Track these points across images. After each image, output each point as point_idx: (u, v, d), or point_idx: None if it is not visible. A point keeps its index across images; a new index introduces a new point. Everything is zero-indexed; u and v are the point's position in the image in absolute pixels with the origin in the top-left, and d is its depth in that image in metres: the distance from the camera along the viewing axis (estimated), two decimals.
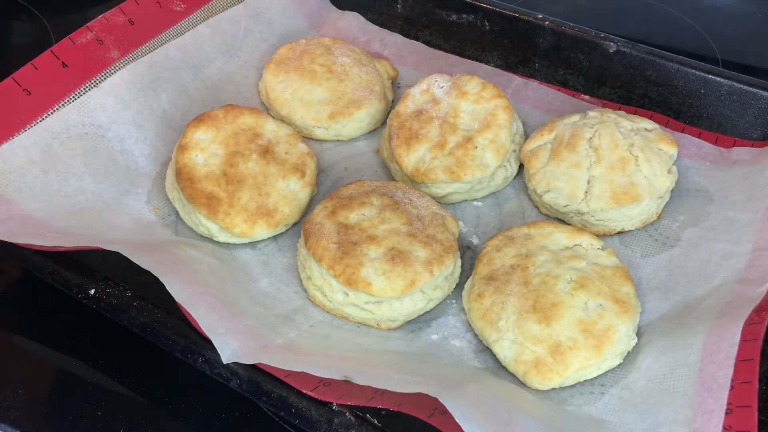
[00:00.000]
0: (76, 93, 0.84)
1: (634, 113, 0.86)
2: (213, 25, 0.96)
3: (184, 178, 0.77)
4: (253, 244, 0.79)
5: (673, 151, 0.79)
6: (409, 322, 0.73)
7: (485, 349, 0.70)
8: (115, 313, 0.70)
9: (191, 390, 0.71)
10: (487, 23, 1.00)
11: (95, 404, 0.70)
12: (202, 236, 0.79)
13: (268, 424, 0.68)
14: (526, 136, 0.87)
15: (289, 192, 0.80)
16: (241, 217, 0.76)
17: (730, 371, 0.59)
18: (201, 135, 0.80)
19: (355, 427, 0.62)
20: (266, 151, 0.81)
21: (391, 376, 0.61)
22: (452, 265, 0.73)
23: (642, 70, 0.91)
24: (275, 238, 0.80)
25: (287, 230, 0.81)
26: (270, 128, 0.84)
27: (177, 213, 0.81)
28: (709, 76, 0.88)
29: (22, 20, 1.16)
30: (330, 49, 0.95)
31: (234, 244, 0.79)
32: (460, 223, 0.82)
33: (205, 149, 0.80)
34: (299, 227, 0.80)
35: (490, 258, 0.72)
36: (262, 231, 0.78)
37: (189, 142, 0.80)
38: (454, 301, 0.75)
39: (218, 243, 0.78)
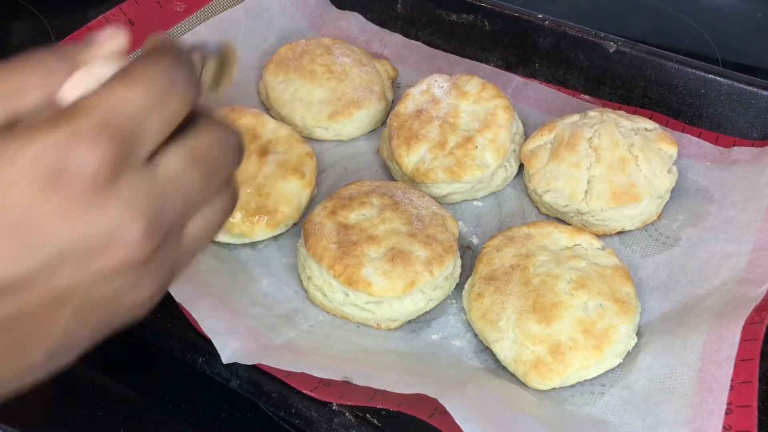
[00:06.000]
0: None
1: (634, 113, 0.86)
2: (213, 25, 0.96)
3: None
4: (253, 245, 0.79)
5: (673, 150, 0.79)
6: (409, 322, 0.73)
7: (485, 349, 0.70)
8: None
9: (191, 390, 0.71)
10: (487, 23, 1.00)
11: (95, 404, 0.70)
12: None
13: (268, 424, 0.68)
14: (526, 136, 0.87)
15: (289, 192, 0.80)
16: (241, 218, 0.76)
17: (730, 371, 0.59)
18: None
19: (355, 427, 0.62)
20: (266, 152, 0.81)
21: (391, 377, 0.61)
22: (452, 265, 0.73)
23: (642, 70, 0.91)
24: (275, 238, 0.80)
25: (287, 230, 0.81)
26: (270, 128, 0.84)
27: None
28: (709, 75, 0.88)
29: (22, 20, 1.16)
30: (330, 49, 0.95)
31: (234, 245, 0.79)
32: (460, 223, 0.82)
33: None
34: (299, 227, 0.80)
35: (490, 258, 0.72)
36: (261, 231, 0.78)
37: None
38: (454, 301, 0.75)
39: (218, 243, 0.78)
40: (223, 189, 0.39)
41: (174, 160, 0.35)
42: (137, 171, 0.34)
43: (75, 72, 0.35)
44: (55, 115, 0.32)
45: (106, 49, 0.36)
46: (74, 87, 0.34)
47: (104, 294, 0.35)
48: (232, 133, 0.39)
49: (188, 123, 0.36)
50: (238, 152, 0.39)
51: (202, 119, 0.37)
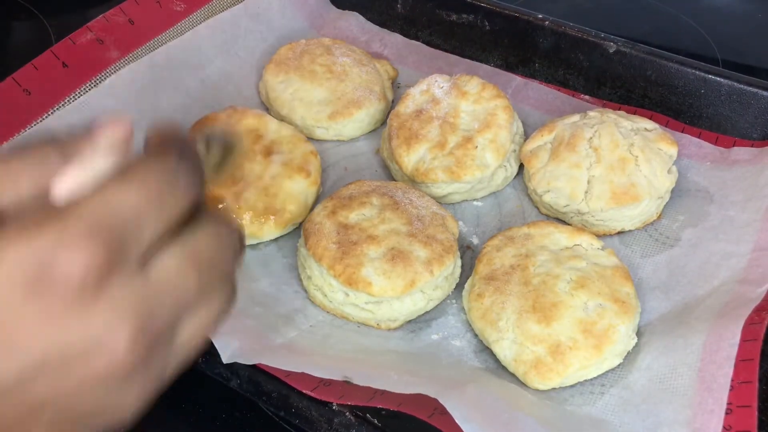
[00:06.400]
0: (77, 93, 0.84)
1: (634, 113, 0.86)
2: (213, 25, 0.96)
3: None
4: (253, 244, 0.79)
5: (673, 151, 0.79)
6: (409, 322, 0.73)
7: (485, 349, 0.70)
8: None
9: (191, 390, 0.71)
10: (487, 23, 1.00)
11: None
12: None
13: (268, 424, 0.68)
14: (526, 136, 0.87)
15: (296, 191, 0.80)
16: (250, 218, 0.76)
17: (730, 371, 0.59)
18: None
19: (355, 427, 0.62)
20: (270, 152, 0.81)
21: (391, 377, 0.61)
22: (452, 265, 0.73)
23: (642, 70, 0.91)
24: (275, 237, 0.80)
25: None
26: (273, 129, 0.84)
27: None
28: (709, 76, 0.88)
29: (22, 20, 1.16)
30: (330, 49, 0.95)
31: None
32: (460, 223, 0.82)
33: None
34: (299, 228, 0.80)
35: (490, 258, 0.72)
36: (270, 231, 0.78)
37: None
38: (454, 301, 0.75)
39: None
40: (221, 287, 0.37)
41: (170, 262, 0.33)
42: (128, 275, 0.32)
43: (70, 163, 0.33)
44: (44, 216, 0.30)
45: (106, 140, 0.34)
46: (67, 181, 0.32)
47: (85, 404, 0.33)
48: (233, 230, 0.37)
49: (188, 216, 0.35)
50: (238, 250, 0.37)
51: (202, 215, 0.36)
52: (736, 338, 0.60)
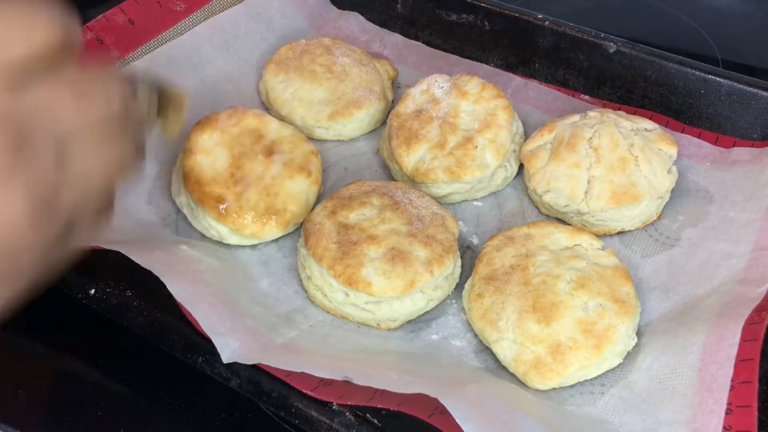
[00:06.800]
0: None
1: (634, 113, 0.86)
2: (213, 25, 0.96)
3: (193, 182, 0.77)
4: (253, 245, 0.79)
5: (673, 151, 0.79)
6: (409, 322, 0.73)
7: (485, 349, 0.70)
8: (115, 312, 0.70)
9: (191, 390, 0.71)
10: (487, 23, 1.00)
11: (95, 404, 0.70)
12: (203, 236, 0.79)
13: (268, 424, 0.68)
14: (526, 136, 0.87)
15: (297, 191, 0.80)
16: (251, 218, 0.76)
17: (730, 371, 0.59)
18: (206, 138, 0.80)
19: (355, 427, 0.62)
20: (271, 152, 0.81)
21: (391, 377, 0.61)
22: (452, 265, 0.73)
23: (642, 70, 0.91)
24: (275, 238, 0.80)
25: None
26: (273, 128, 0.84)
27: (177, 212, 0.81)
28: (709, 76, 0.88)
29: None
30: (330, 49, 0.95)
31: (234, 245, 0.79)
32: (460, 223, 0.82)
33: (211, 152, 0.80)
34: (299, 227, 0.80)
35: (490, 258, 0.72)
36: (272, 231, 0.78)
37: (195, 145, 0.79)
38: (454, 301, 0.75)
39: (219, 243, 0.78)
40: (115, 134, 0.38)
41: (44, 88, 0.35)
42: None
43: None
44: None
45: None
46: None
47: None
48: (119, 78, 0.39)
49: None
50: (117, 88, 0.38)
51: (90, 69, 0.38)
52: (736, 338, 0.60)
